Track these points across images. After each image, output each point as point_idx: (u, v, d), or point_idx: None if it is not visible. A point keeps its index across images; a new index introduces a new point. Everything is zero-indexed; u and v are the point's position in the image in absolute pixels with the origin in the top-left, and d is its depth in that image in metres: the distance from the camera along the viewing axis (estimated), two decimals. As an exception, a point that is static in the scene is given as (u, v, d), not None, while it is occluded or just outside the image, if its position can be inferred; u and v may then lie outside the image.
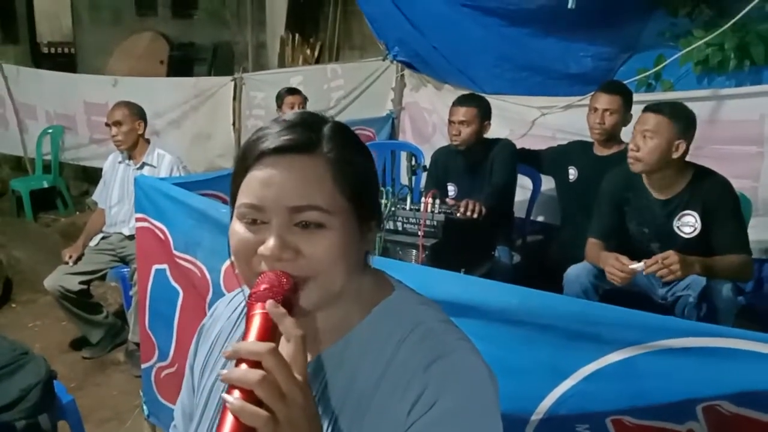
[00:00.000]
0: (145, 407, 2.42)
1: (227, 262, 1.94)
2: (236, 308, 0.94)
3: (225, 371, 0.62)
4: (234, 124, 4.79)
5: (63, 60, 8.75)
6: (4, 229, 4.83)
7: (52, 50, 9.25)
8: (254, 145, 0.75)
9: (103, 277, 3.25)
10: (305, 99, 3.89)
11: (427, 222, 2.11)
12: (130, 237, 3.23)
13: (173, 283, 2.21)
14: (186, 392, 0.98)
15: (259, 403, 0.60)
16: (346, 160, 0.75)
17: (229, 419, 0.60)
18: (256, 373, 0.60)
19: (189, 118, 4.93)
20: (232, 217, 0.77)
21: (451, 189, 3.03)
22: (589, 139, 2.91)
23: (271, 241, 0.72)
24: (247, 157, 0.75)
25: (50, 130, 5.67)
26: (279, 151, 0.73)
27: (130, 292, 3.08)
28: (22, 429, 1.88)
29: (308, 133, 0.75)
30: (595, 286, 2.31)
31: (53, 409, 1.99)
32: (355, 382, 0.79)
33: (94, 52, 7.78)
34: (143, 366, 2.38)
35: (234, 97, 4.78)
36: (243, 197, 0.74)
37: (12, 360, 1.98)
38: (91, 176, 6.31)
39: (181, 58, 7.32)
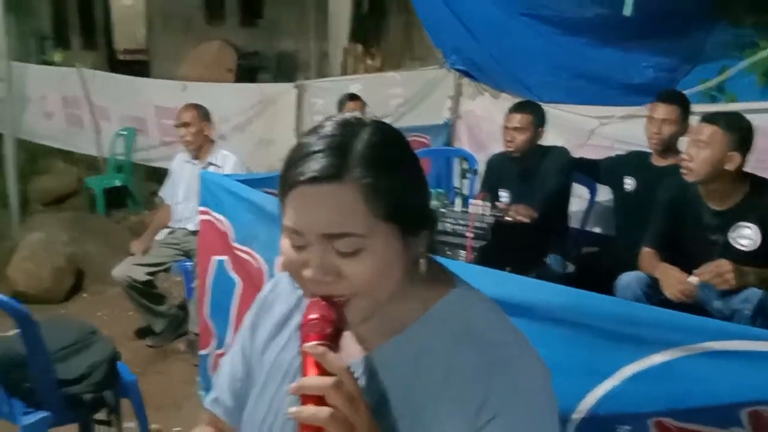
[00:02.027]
0: (202, 393, 2.54)
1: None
2: (296, 291, 0.94)
3: (295, 409, 0.67)
4: (296, 129, 4.94)
5: (137, 67, 9.20)
6: (78, 224, 5.12)
7: (128, 57, 9.74)
8: (291, 168, 0.75)
9: (167, 270, 3.43)
10: (365, 105, 3.99)
11: (477, 224, 2.14)
12: (194, 232, 3.39)
13: (231, 274, 2.32)
14: (239, 361, 0.99)
15: None
16: (378, 184, 0.73)
17: None
18: (326, 411, 0.65)
19: (253, 123, 5.12)
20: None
21: (504, 195, 3.05)
22: (648, 150, 2.88)
23: (311, 267, 0.74)
24: (286, 178, 0.76)
25: (123, 132, 5.99)
26: (310, 182, 0.73)
27: (192, 285, 3.23)
28: (88, 402, 2.03)
29: (338, 159, 0.73)
30: (648, 296, 2.29)
31: (117, 386, 2.12)
32: (413, 383, 0.79)
33: (166, 59, 8.16)
34: (201, 353, 2.50)
35: (296, 104, 4.93)
36: (286, 219, 0.76)
37: (80, 338, 2.13)
38: (160, 176, 6.58)
39: (247, 67, 7.59)
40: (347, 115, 0.81)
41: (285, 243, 0.77)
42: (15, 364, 2.00)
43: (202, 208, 2.38)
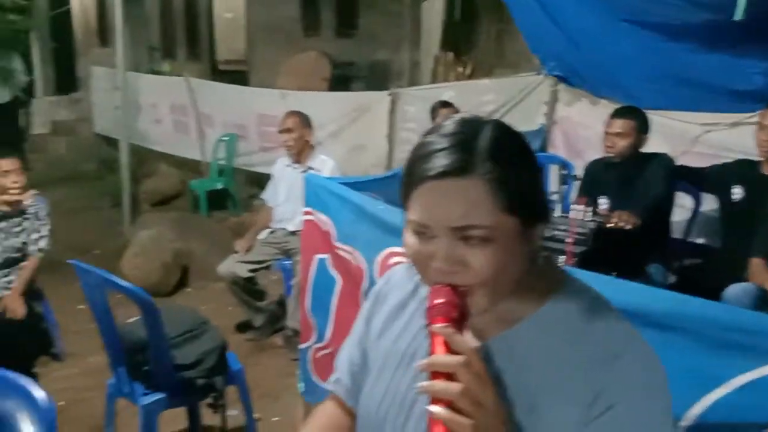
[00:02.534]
0: (301, 385, 2.66)
1: (381, 254, 2.13)
2: (410, 281, 1.00)
3: (425, 384, 0.70)
4: (388, 136, 5.05)
5: (237, 76, 9.66)
6: (183, 224, 5.45)
7: (228, 68, 10.23)
8: (417, 165, 0.79)
9: (268, 268, 3.60)
10: (457, 112, 4.03)
11: (578, 229, 2.13)
12: (294, 233, 3.55)
13: (332, 272, 2.42)
14: (356, 349, 1.06)
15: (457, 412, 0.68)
16: (504, 178, 0.77)
17: (439, 429, 0.69)
18: (457, 386, 0.68)
19: (347, 130, 5.27)
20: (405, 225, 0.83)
21: (603, 202, 2.99)
22: (756, 158, 2.75)
23: (439, 258, 0.78)
24: (412, 175, 0.79)
25: (226, 138, 6.32)
26: (438, 177, 0.76)
27: (291, 282, 3.38)
28: (200, 386, 2.17)
29: (465, 154, 0.77)
30: (758, 307, 2.19)
31: (226, 373, 2.27)
32: (525, 375, 0.82)
33: (264, 69, 8.52)
34: (301, 346, 2.61)
35: (389, 111, 5.03)
36: (411, 214, 0.80)
37: (194, 327, 2.29)
38: (258, 180, 6.91)
39: (341, 76, 7.80)
40: (467, 114, 0.85)
41: (410, 236, 0.81)
42: (137, 349, 2.19)
43: (306, 209, 2.49)
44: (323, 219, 2.41)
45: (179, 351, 2.14)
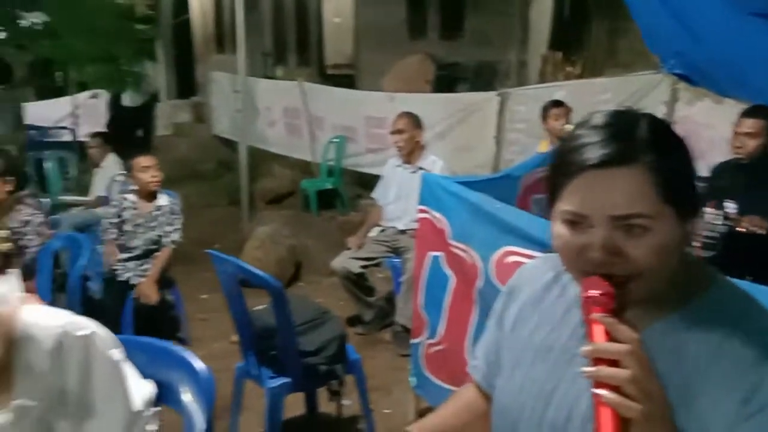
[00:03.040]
0: (413, 379, 2.73)
1: (497, 253, 2.15)
2: (544, 276, 1.03)
3: (592, 369, 0.71)
4: (496, 137, 5.03)
5: (344, 80, 9.93)
6: (296, 221, 5.70)
7: (335, 72, 10.54)
8: (574, 155, 0.80)
9: (378, 265, 3.71)
10: (569, 110, 3.96)
11: (707, 233, 2.05)
12: (403, 231, 3.64)
13: (446, 269, 2.47)
14: (492, 339, 1.11)
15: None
16: (666, 166, 0.78)
17: (607, 412, 0.69)
18: (626, 372, 0.69)
19: (454, 130, 5.30)
20: (551, 218, 0.84)
21: (730, 206, 2.84)
22: None
23: (597, 248, 0.78)
24: (568, 165, 0.80)
25: (335, 140, 6.54)
26: (600, 166, 0.77)
27: (400, 279, 3.47)
28: (323, 372, 2.29)
29: (626, 143, 0.78)
30: None
31: (345, 362, 2.37)
32: (679, 367, 0.81)
33: (371, 72, 8.70)
34: (413, 341, 2.68)
35: (498, 112, 5.01)
36: (566, 204, 0.80)
37: (317, 316, 2.41)
38: (365, 181, 7.09)
39: (445, 78, 7.81)
40: (620, 107, 0.86)
41: (561, 227, 0.82)
42: (264, 335, 2.34)
43: (421, 207, 2.56)
44: (438, 217, 2.47)
45: (303, 338, 2.27)
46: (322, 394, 2.66)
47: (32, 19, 7.41)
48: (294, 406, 2.67)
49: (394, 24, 8.54)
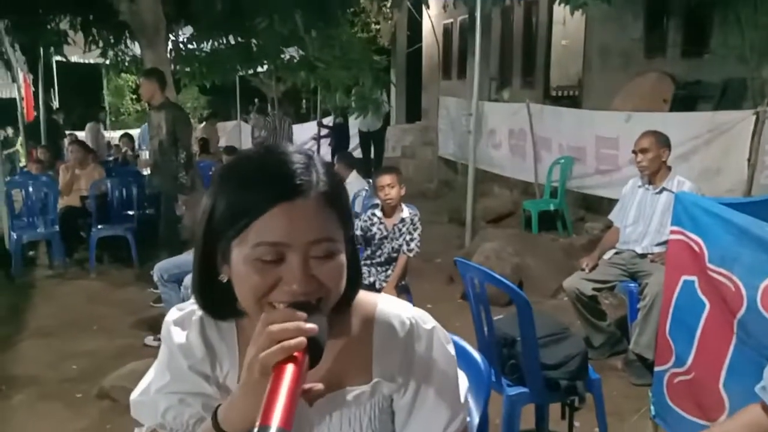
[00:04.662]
0: (652, 408, 2.59)
1: (766, 281, 1.97)
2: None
3: None
4: (749, 159, 4.56)
5: (568, 101, 9.76)
6: (519, 240, 5.71)
7: (559, 93, 10.40)
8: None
9: (612, 288, 3.58)
10: None
11: None
12: (642, 255, 3.47)
13: (701, 295, 2.31)
14: None
15: None
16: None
17: None
18: None
19: (699, 152, 4.91)
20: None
21: None
22: None
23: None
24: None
25: (561, 161, 6.44)
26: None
27: (638, 306, 3.31)
28: (564, 387, 2.29)
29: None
30: None
31: (586, 379, 2.35)
32: None
33: (598, 93, 8.43)
34: (656, 369, 2.55)
35: (753, 132, 4.54)
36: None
37: (558, 331, 2.43)
38: (589, 204, 6.88)
39: (685, 97, 7.28)
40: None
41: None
42: (503, 344, 2.41)
43: (674, 228, 2.44)
44: (694, 239, 2.33)
45: (545, 350, 2.29)
46: (553, 414, 2.66)
47: (291, 53, 8.47)
48: (523, 420, 2.69)
49: (629, 43, 8.21)
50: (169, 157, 4.91)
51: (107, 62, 8.67)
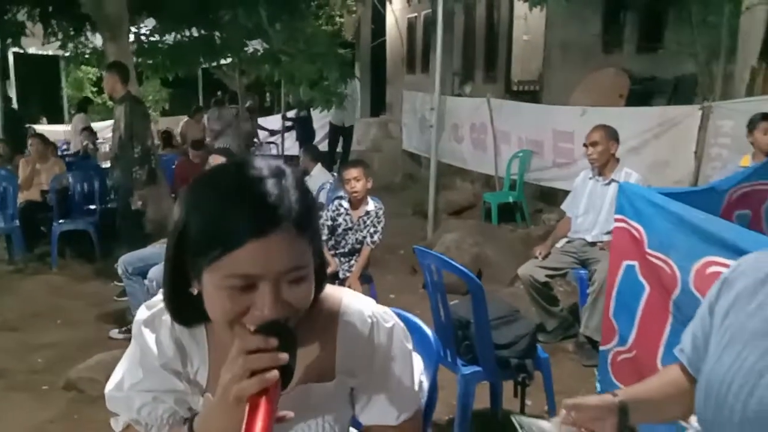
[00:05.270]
0: (598, 385, 2.76)
1: (698, 263, 2.14)
2: (763, 269, 1.11)
3: None
4: (696, 152, 4.80)
5: (528, 97, 9.98)
6: (479, 232, 5.87)
7: (521, 88, 10.62)
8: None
9: (564, 275, 3.76)
10: (782, 125, 3.70)
11: None
12: (592, 243, 3.65)
13: (641, 279, 2.48)
14: (700, 326, 1.20)
15: None
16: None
17: None
18: None
19: (649, 145, 5.14)
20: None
21: None
22: None
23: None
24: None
25: (520, 154, 6.63)
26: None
27: (588, 291, 3.48)
28: (514, 365, 2.44)
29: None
30: None
31: (535, 358, 2.50)
32: None
33: (558, 88, 8.64)
34: (601, 348, 2.71)
35: (699, 126, 4.78)
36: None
37: (509, 314, 2.57)
38: (546, 196, 7.10)
39: (640, 92, 7.54)
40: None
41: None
42: (458, 326, 2.55)
43: (617, 216, 2.60)
44: (635, 226, 2.50)
45: (496, 332, 2.43)
46: (506, 393, 2.82)
47: (255, 46, 8.46)
48: (478, 399, 2.83)
49: (587, 39, 8.42)
50: (127, 150, 4.89)
51: (67, 54, 8.53)
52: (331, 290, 1.06)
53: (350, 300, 1.06)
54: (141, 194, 5.01)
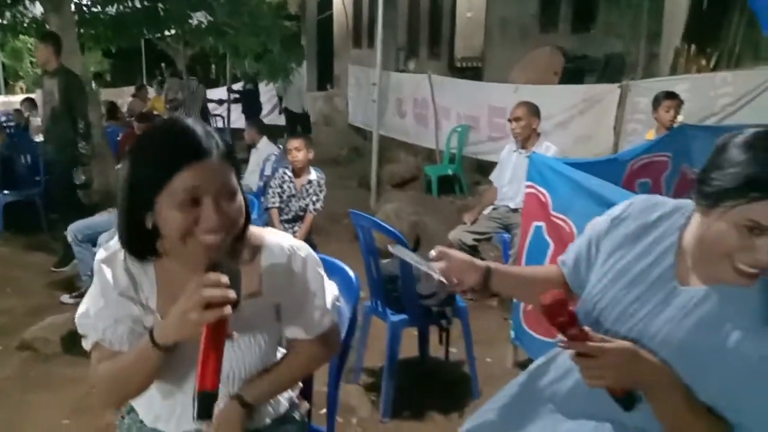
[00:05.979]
0: (512, 333, 3.13)
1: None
2: (650, 215, 1.24)
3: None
4: (615, 127, 5.21)
5: (471, 73, 10.30)
6: (418, 202, 6.21)
7: (464, 64, 10.92)
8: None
9: (489, 239, 4.11)
10: (681, 103, 4.12)
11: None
12: (514, 210, 4.01)
13: (546, 237, 2.83)
14: (585, 250, 1.33)
15: None
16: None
17: None
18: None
19: (574, 121, 5.54)
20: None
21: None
22: None
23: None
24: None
25: (458, 129, 6.96)
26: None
27: (509, 252, 3.84)
28: (436, 312, 2.76)
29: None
30: None
31: (453, 306, 2.82)
32: None
33: (499, 65, 8.98)
34: (515, 300, 3.07)
35: (619, 103, 5.19)
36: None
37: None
38: (483, 168, 7.45)
39: (574, 70, 7.93)
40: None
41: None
42: (388, 281, 2.84)
43: (528, 183, 2.94)
44: (542, 191, 2.84)
45: (419, 284, 2.74)
46: (433, 342, 3.15)
47: (198, 18, 8.46)
48: (408, 348, 3.15)
49: (526, 18, 8.74)
50: (62, 124, 4.73)
51: (4, 23, 8.32)
52: (255, 229, 1.30)
53: (271, 236, 1.31)
54: (86, 169, 5.04)
